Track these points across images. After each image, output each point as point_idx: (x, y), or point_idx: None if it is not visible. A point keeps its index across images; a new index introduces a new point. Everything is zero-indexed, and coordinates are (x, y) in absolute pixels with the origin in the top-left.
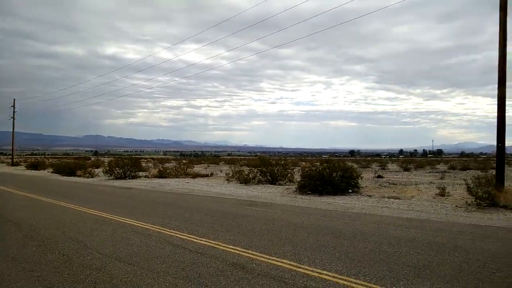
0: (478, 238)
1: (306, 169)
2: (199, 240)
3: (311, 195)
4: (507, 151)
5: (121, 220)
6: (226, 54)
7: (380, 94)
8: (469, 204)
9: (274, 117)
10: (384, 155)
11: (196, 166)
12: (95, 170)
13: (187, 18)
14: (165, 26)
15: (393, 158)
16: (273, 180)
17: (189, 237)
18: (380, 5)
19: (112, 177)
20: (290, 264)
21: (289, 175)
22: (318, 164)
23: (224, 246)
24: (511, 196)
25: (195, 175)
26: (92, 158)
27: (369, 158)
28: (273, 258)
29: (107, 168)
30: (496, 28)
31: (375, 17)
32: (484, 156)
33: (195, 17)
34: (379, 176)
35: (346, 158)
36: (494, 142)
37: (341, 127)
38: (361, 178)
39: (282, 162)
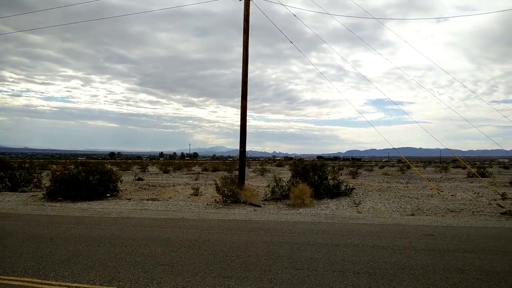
0: (224, 231)
1: (58, 173)
2: None
3: (63, 201)
4: (248, 155)
5: None
6: None
7: (142, 96)
8: (217, 202)
9: (18, 112)
10: (145, 157)
11: None
12: None
13: None
14: None
15: (154, 161)
16: (15, 187)
17: None
18: (144, 8)
19: None
20: (32, 282)
21: (35, 180)
22: (73, 167)
23: None
24: (249, 193)
25: None
26: None
27: (130, 161)
28: (11, 277)
29: None
30: (241, 49)
31: (140, 19)
32: (231, 159)
33: None
34: (139, 179)
35: (105, 160)
36: (239, 147)
37: (101, 127)
38: (121, 181)
39: (27, 165)
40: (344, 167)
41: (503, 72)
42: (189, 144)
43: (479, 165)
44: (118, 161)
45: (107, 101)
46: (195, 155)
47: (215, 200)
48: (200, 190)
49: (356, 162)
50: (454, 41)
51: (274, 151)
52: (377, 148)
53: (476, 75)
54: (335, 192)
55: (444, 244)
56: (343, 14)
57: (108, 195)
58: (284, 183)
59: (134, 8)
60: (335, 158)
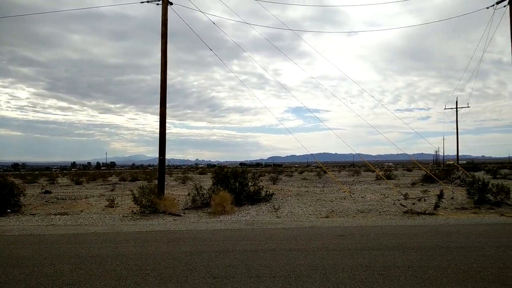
0: (140, 244)
1: None
2: None
3: None
4: (170, 163)
5: None
6: None
7: (52, 102)
8: (134, 213)
9: None
10: (55, 168)
11: None
12: None
13: None
14: None
15: (64, 172)
16: None
17: None
18: (54, 7)
19: None
20: None
21: None
22: None
23: None
24: (169, 202)
25: None
26: None
27: (37, 172)
28: None
29: None
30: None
31: (50, 20)
32: (152, 168)
33: None
34: (46, 192)
35: (7, 172)
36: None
37: (2, 136)
38: (24, 195)
39: None
40: (266, 173)
41: (406, 83)
42: (106, 153)
43: (386, 169)
44: (23, 172)
45: (9, 107)
46: (112, 165)
47: (132, 211)
48: (116, 202)
49: (277, 168)
50: (364, 54)
51: (197, 159)
52: (297, 154)
53: (382, 86)
54: (256, 198)
55: (353, 244)
56: (263, 25)
57: (9, 210)
58: (205, 191)
59: (42, 7)
60: (257, 164)
